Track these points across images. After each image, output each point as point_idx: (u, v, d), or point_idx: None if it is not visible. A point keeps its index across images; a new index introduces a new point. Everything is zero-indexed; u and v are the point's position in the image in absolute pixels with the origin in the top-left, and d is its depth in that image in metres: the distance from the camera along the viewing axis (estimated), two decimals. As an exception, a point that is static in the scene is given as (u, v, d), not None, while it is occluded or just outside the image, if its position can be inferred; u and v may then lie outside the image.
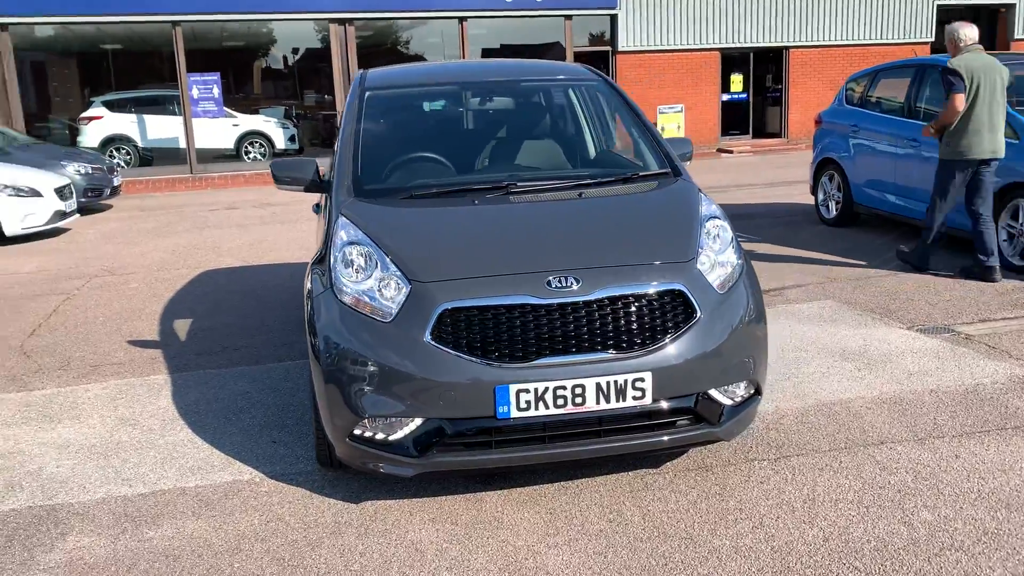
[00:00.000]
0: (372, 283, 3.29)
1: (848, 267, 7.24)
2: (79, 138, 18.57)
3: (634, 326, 3.20)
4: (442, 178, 4.08)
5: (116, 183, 14.10)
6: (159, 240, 10.52)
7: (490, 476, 3.56)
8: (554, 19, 19.36)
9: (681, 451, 3.72)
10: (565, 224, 3.64)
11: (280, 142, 19.30)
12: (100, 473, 3.80)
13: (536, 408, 3.10)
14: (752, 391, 3.50)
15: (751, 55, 20.98)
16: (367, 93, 4.47)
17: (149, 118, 18.77)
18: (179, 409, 4.55)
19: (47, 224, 10.94)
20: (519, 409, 3.09)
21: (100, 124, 18.57)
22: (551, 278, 3.19)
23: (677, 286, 3.28)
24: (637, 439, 3.26)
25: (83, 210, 13.17)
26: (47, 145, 14.73)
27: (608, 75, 20.19)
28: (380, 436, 3.19)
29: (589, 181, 3.96)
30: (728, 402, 3.39)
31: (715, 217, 3.69)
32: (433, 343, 3.11)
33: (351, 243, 3.44)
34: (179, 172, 17.57)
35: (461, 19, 18.64)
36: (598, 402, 3.13)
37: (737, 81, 21.19)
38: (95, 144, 18.26)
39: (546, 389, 3.09)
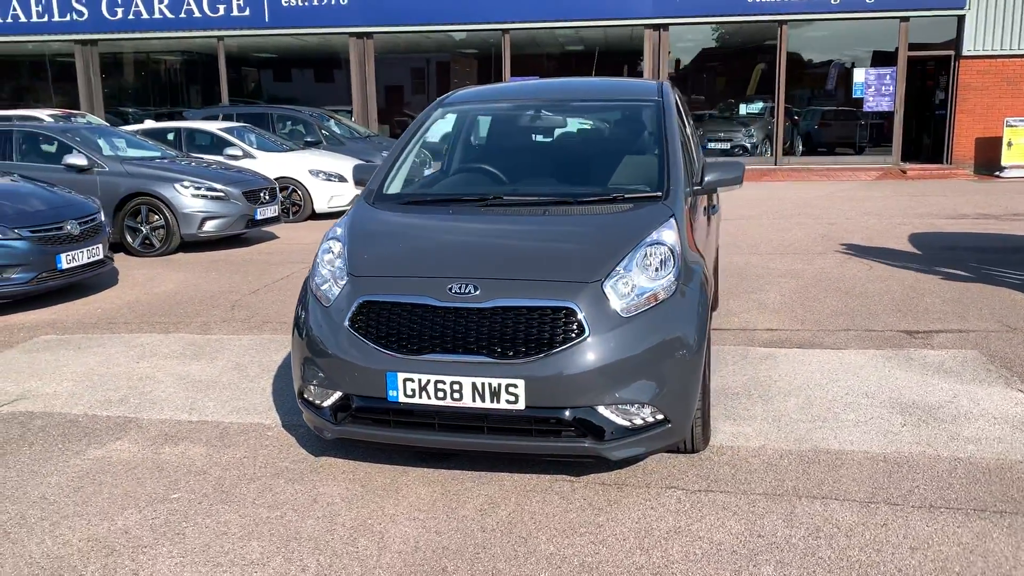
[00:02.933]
0: (333, 272, 3.89)
1: (1051, 318, 6.26)
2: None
3: (519, 336, 3.45)
4: (444, 189, 4.54)
5: (426, 173, 16.03)
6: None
7: (436, 456, 3.97)
8: (887, 21, 17.97)
9: (622, 464, 3.83)
10: (503, 237, 3.94)
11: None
12: (182, 401, 4.87)
13: (420, 397, 3.50)
14: (660, 418, 3.53)
15: None
16: (438, 109, 5.05)
17: (481, 116, 20.86)
18: (283, 363, 5.53)
19: (349, 205, 12.94)
20: (405, 396, 3.52)
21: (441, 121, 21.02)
22: (453, 284, 3.55)
23: (568, 304, 3.46)
24: (517, 441, 3.51)
25: (396, 195, 15.25)
26: (378, 138, 17.15)
27: (949, 81, 18.21)
28: (317, 401, 3.80)
29: (568, 200, 4.17)
30: (622, 422, 3.48)
31: (660, 244, 3.73)
32: (350, 328, 3.64)
33: (333, 238, 4.08)
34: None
35: (780, 23, 18.09)
36: (474, 400, 3.45)
37: (1121, 92, 17.93)
38: (436, 139, 20.74)
39: (428, 381, 3.48)
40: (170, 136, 13.15)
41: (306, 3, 18.87)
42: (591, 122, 5.16)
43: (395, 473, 3.87)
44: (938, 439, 4.13)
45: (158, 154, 10.91)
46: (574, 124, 5.12)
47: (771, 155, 19.13)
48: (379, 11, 18.72)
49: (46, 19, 19.70)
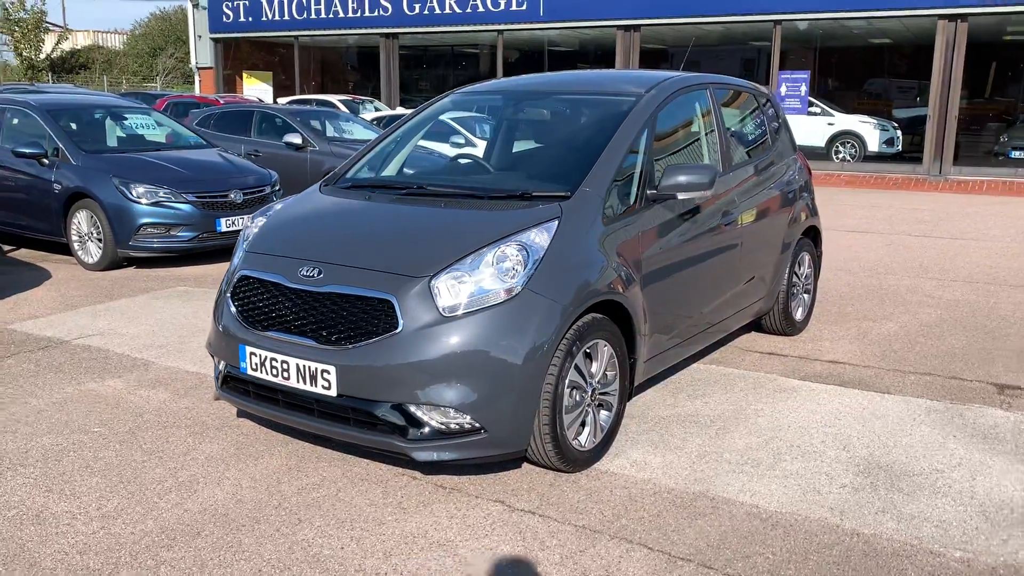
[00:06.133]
0: (245, 247, 4.12)
1: None
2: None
3: (341, 323, 3.45)
4: (384, 175, 4.56)
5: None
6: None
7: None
8: None
9: (474, 466, 3.68)
10: (374, 225, 3.91)
11: (873, 144, 18.48)
12: (202, 354, 5.41)
13: (260, 371, 3.65)
14: (476, 425, 3.35)
15: None
16: (445, 99, 5.07)
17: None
18: (319, 333, 5.90)
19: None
20: (251, 369, 3.68)
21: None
22: (305, 267, 3.63)
23: (387, 296, 3.39)
24: (338, 428, 3.53)
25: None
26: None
27: None
28: (215, 364, 4.09)
29: (478, 194, 4.00)
30: (435, 425, 3.36)
31: (521, 244, 3.50)
32: (228, 299, 3.87)
33: (260, 215, 4.30)
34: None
35: None
36: (298, 381, 3.52)
37: None
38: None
39: (266, 357, 3.61)
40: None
41: (578, -4, 19.26)
42: (563, 116, 4.86)
43: (276, 442, 4.04)
44: (863, 510, 3.41)
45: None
46: (545, 118, 4.87)
47: (1090, 169, 16.09)
48: (645, 3, 18.57)
49: (359, 15, 22.11)
